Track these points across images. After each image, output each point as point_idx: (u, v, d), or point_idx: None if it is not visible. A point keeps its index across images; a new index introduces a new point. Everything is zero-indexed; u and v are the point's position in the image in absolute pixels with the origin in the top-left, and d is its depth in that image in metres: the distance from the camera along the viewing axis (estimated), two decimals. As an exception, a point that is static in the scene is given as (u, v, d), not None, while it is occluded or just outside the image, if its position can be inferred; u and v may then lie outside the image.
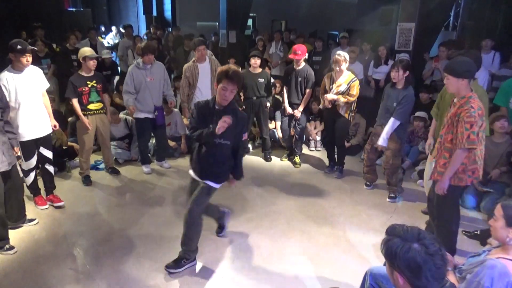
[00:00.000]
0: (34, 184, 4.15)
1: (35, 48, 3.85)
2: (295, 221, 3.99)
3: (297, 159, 5.54)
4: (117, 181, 4.94)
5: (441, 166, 3.09)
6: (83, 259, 3.30)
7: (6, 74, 3.72)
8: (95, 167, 5.21)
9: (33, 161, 4.02)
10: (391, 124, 4.17)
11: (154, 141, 5.54)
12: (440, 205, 3.21)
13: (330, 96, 4.78)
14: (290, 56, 5.18)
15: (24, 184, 4.04)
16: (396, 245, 1.45)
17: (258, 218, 4.05)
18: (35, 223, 3.83)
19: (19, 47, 3.65)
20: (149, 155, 5.40)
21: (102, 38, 12.91)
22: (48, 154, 4.16)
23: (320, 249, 3.52)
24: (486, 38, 6.13)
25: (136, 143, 5.49)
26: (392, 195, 4.52)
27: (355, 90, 4.73)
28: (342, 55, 4.71)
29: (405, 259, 1.41)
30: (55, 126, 4.22)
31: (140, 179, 5.03)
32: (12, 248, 3.41)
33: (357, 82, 4.76)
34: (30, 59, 3.75)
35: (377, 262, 3.22)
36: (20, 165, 3.91)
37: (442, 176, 3.06)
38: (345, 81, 4.75)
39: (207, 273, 3.16)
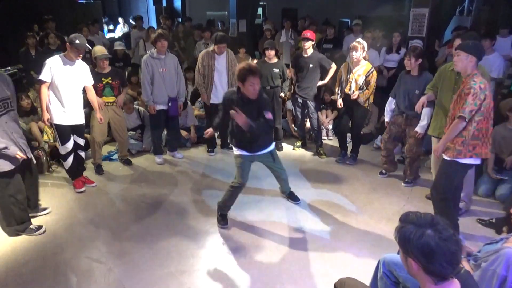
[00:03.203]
0: (72, 168, 4.33)
1: (90, 48, 4.04)
2: (308, 210, 4.00)
3: (321, 150, 5.52)
4: (130, 171, 5.00)
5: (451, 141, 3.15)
6: (100, 248, 3.37)
7: (57, 58, 3.97)
8: (108, 158, 5.29)
9: (69, 144, 4.21)
10: (428, 112, 4.16)
11: (165, 131, 5.57)
12: (439, 179, 3.29)
13: (353, 95, 4.74)
14: (302, 36, 5.14)
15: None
16: (409, 231, 1.45)
17: (270, 207, 4.06)
18: (49, 212, 3.91)
19: (77, 42, 3.89)
20: (161, 145, 5.44)
21: (110, 28, 12.97)
22: (81, 141, 4.39)
23: (333, 237, 3.52)
24: (501, 22, 5.98)
25: (148, 133, 5.54)
26: (408, 180, 4.57)
27: (373, 81, 4.69)
28: (361, 42, 4.66)
29: (419, 245, 1.41)
30: (100, 120, 4.48)
31: (153, 169, 5.08)
32: (40, 227, 3.55)
33: (375, 73, 4.72)
34: (81, 56, 4.02)
35: (390, 250, 3.20)
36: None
37: (450, 151, 3.12)
38: (363, 72, 4.69)
39: (218, 262, 3.20)
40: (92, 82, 4.32)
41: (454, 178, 3.22)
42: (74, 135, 4.28)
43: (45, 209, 3.93)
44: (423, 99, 3.94)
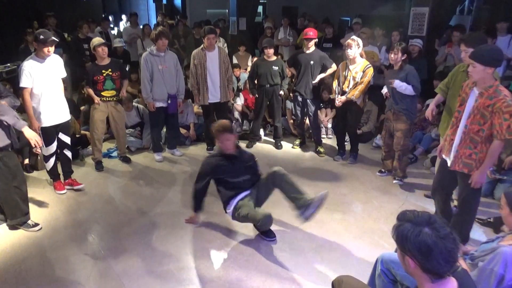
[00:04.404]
0: (54, 170, 4.27)
1: (56, 40, 3.91)
2: (306, 208, 4.00)
3: (320, 148, 5.53)
4: (129, 169, 5.00)
5: (467, 157, 2.99)
6: (98, 244, 3.38)
7: (30, 62, 3.83)
8: (107, 155, 5.29)
9: (53, 146, 4.14)
10: (409, 87, 4.13)
11: (165, 129, 5.57)
12: (469, 195, 3.13)
13: (342, 98, 4.79)
14: (304, 36, 5.13)
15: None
16: (407, 229, 1.46)
17: (269, 205, 4.03)
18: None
19: (41, 37, 3.76)
20: (161, 143, 5.44)
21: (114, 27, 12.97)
22: (67, 139, 4.28)
23: (331, 235, 3.53)
24: (502, 21, 5.97)
25: (148, 131, 5.54)
26: (398, 178, 4.58)
27: (368, 76, 4.69)
28: (355, 39, 4.67)
29: (416, 243, 1.42)
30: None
31: (152, 166, 5.09)
32: (37, 224, 3.56)
33: (371, 69, 4.72)
34: (52, 49, 3.86)
35: (388, 249, 3.23)
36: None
37: (474, 169, 2.97)
38: (360, 69, 4.70)
39: (216, 259, 3.21)
40: (65, 74, 4.17)
41: (480, 190, 3.14)
42: (60, 133, 4.19)
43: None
44: (431, 106, 3.80)
